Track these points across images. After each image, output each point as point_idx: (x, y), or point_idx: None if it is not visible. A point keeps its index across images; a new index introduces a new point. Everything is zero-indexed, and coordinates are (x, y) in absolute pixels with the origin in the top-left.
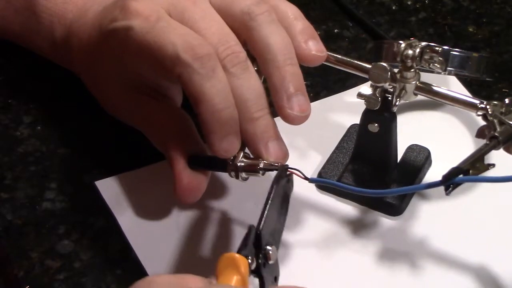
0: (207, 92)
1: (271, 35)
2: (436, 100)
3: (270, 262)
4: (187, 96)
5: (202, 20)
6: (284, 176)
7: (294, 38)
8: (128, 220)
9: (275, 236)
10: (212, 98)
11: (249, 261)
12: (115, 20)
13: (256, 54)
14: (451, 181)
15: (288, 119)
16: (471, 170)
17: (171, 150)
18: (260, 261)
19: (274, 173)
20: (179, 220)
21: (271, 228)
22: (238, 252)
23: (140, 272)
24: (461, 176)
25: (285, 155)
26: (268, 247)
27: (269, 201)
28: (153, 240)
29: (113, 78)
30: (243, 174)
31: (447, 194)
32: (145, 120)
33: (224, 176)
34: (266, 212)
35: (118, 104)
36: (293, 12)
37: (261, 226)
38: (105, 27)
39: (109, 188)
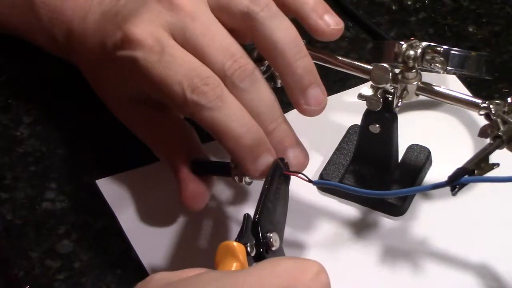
0: (221, 122)
1: (275, 32)
2: (437, 100)
3: (273, 248)
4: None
5: (203, 36)
6: (279, 168)
7: (309, 16)
8: (128, 219)
9: (277, 226)
10: (229, 126)
11: (248, 248)
12: (118, 47)
13: (264, 53)
14: (457, 182)
15: (305, 114)
16: (476, 170)
17: (174, 158)
18: (261, 249)
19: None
20: (180, 220)
21: (270, 218)
22: (236, 240)
23: (140, 272)
24: (466, 176)
25: (305, 161)
26: (269, 234)
27: (265, 191)
28: (154, 239)
29: (117, 90)
30: (247, 179)
31: (453, 195)
32: (148, 132)
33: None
34: (262, 200)
35: (121, 113)
36: None
37: (257, 214)
38: (108, 53)
39: (110, 187)
